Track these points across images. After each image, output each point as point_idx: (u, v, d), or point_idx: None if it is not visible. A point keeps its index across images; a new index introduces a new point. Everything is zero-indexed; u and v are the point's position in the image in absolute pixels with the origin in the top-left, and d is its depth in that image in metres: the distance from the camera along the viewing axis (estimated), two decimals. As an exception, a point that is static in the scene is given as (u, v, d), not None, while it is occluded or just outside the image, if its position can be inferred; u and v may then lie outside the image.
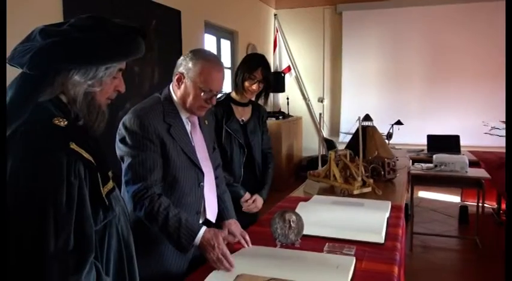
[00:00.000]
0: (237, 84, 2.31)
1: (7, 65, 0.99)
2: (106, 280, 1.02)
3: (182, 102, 1.61)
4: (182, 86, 1.60)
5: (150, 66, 3.74)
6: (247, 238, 1.71)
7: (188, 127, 1.67)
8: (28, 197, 0.91)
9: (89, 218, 0.97)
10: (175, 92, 1.63)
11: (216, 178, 1.85)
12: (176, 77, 1.61)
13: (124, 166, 1.54)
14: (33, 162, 0.92)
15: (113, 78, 1.09)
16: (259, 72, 2.26)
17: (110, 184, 1.06)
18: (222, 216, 1.79)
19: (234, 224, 1.76)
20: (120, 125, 1.56)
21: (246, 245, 1.68)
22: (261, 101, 2.45)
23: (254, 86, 2.27)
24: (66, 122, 0.98)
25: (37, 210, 0.90)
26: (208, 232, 1.50)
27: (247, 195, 2.29)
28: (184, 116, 1.64)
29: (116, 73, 1.09)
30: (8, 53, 1.01)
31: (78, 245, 0.94)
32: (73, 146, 0.96)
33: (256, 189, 2.36)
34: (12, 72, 1.01)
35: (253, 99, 2.41)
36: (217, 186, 1.84)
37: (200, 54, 1.60)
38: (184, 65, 1.59)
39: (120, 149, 1.55)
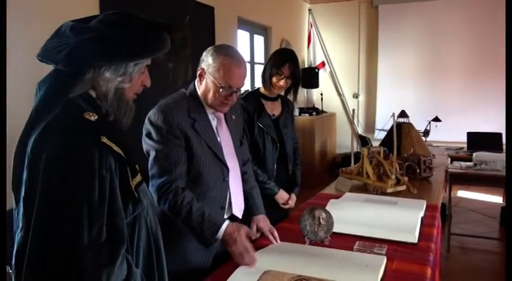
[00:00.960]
0: (264, 80, 2.30)
1: (37, 61, 1.02)
2: (136, 273, 1.03)
3: (204, 98, 1.61)
4: (203, 82, 1.59)
5: (184, 62, 3.79)
6: (276, 234, 1.70)
7: (214, 122, 1.66)
8: (62, 191, 0.93)
9: (120, 210, 0.99)
10: (199, 88, 1.63)
11: (245, 173, 1.85)
12: (198, 73, 1.61)
13: (150, 159, 1.57)
14: (66, 156, 0.94)
15: (141, 74, 1.11)
16: (287, 68, 2.24)
17: (138, 177, 1.07)
18: (250, 212, 1.78)
19: (262, 220, 1.75)
20: (146, 120, 1.58)
21: (275, 242, 1.67)
22: (290, 97, 2.43)
23: (282, 82, 2.25)
24: (96, 117, 1.00)
25: (71, 204, 0.92)
26: (231, 226, 1.51)
27: (284, 194, 2.30)
28: (209, 111, 1.64)
29: (144, 69, 1.11)
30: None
31: (110, 238, 0.96)
32: (104, 139, 0.97)
33: (288, 183, 2.37)
34: (41, 68, 1.03)
35: (282, 94, 2.39)
36: (246, 181, 1.84)
37: (220, 50, 1.58)
38: (205, 61, 1.58)
39: (146, 143, 1.58)
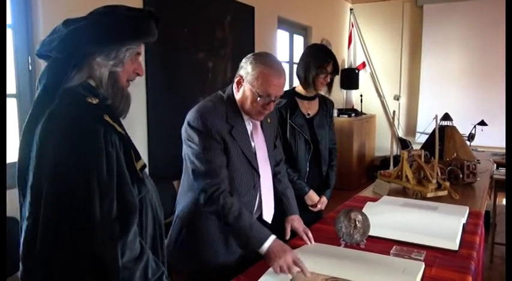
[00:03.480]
0: (306, 79, 2.24)
1: (37, 59, 1.08)
2: (148, 252, 1.07)
3: (241, 105, 1.59)
4: (241, 90, 1.58)
5: (224, 62, 3.83)
6: (310, 234, 1.68)
7: (249, 128, 1.65)
8: (71, 169, 0.97)
9: (128, 184, 1.03)
10: (236, 94, 1.61)
11: (278, 173, 1.84)
12: (236, 80, 1.59)
13: (192, 161, 1.55)
14: (73, 136, 0.98)
15: (133, 61, 1.15)
16: (331, 66, 2.22)
17: (142, 161, 1.12)
18: (284, 211, 1.77)
19: (296, 220, 1.74)
20: (186, 124, 1.57)
21: (309, 242, 1.66)
22: (324, 92, 2.38)
23: (328, 79, 2.24)
24: (97, 100, 1.06)
25: (81, 180, 0.96)
26: (276, 244, 1.46)
27: (315, 196, 2.25)
28: (246, 116, 1.62)
29: (135, 56, 1.15)
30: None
31: (121, 211, 0.99)
32: (107, 118, 1.02)
33: (322, 185, 2.32)
34: (42, 67, 1.10)
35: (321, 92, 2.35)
36: (280, 181, 1.83)
37: (260, 59, 1.55)
38: (244, 68, 1.56)
39: (189, 146, 1.56)
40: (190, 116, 1.57)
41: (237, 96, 1.60)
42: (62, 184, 0.97)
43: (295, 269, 1.39)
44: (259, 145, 1.67)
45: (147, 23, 1.13)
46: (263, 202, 1.68)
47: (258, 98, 1.52)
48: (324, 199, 2.29)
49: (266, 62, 1.54)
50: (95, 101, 1.05)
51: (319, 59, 2.22)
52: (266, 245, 1.45)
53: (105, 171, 0.98)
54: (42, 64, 2.25)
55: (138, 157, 1.11)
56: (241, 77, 1.57)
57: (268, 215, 1.71)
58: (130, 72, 1.16)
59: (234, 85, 1.60)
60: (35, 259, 0.99)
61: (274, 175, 1.82)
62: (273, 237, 1.48)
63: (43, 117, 1.03)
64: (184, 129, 1.59)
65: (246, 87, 1.55)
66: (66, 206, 0.96)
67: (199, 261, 1.61)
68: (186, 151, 1.59)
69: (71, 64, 1.05)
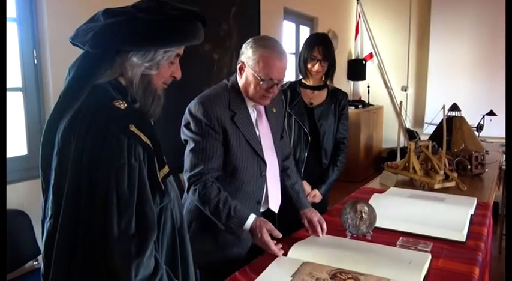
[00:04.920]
0: (300, 68, 2.28)
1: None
2: (163, 267, 1.01)
3: (244, 91, 1.59)
4: (244, 75, 1.57)
5: (229, 54, 3.81)
6: (324, 226, 1.65)
7: (254, 116, 1.64)
8: (91, 181, 0.91)
9: (149, 200, 0.97)
10: (239, 81, 1.60)
11: (287, 168, 1.83)
12: (238, 66, 1.59)
13: (186, 149, 1.58)
14: (96, 144, 0.92)
15: (171, 64, 1.08)
16: (317, 52, 2.20)
17: (166, 169, 1.04)
18: (297, 207, 1.74)
19: (309, 212, 1.71)
20: (186, 111, 1.58)
21: (320, 234, 1.63)
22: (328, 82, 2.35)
23: (316, 67, 2.21)
24: (125, 105, 0.98)
25: (101, 193, 0.91)
26: (255, 221, 1.50)
27: (307, 187, 2.21)
28: (250, 104, 1.62)
29: (174, 58, 1.07)
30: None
31: (139, 228, 0.94)
32: (133, 128, 0.95)
33: (320, 179, 2.27)
34: (74, 53, 1.04)
35: (323, 80, 2.32)
36: (289, 176, 1.81)
37: (260, 42, 1.54)
38: (245, 54, 1.55)
39: (184, 133, 1.59)
40: (192, 103, 1.58)
41: (240, 82, 1.60)
42: (80, 197, 0.92)
43: (273, 248, 1.47)
44: (264, 133, 1.66)
45: (192, 26, 1.04)
46: (269, 191, 1.67)
47: (261, 82, 1.51)
48: (317, 193, 2.23)
49: (266, 45, 1.53)
50: (123, 105, 0.97)
51: (308, 44, 2.25)
52: (247, 225, 1.49)
53: (126, 185, 0.92)
54: (49, 58, 2.28)
55: (163, 164, 1.03)
56: (243, 62, 1.56)
57: (274, 205, 1.70)
58: (166, 76, 1.08)
59: (237, 72, 1.60)
60: (52, 266, 0.96)
61: (283, 170, 1.81)
62: (251, 217, 1.51)
63: (69, 113, 0.97)
64: (184, 116, 1.60)
65: (248, 72, 1.55)
66: (83, 219, 0.92)
67: (210, 254, 1.62)
68: (183, 138, 1.61)
69: (103, 60, 0.99)
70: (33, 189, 2.16)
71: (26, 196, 2.18)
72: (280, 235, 1.52)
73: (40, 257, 2.06)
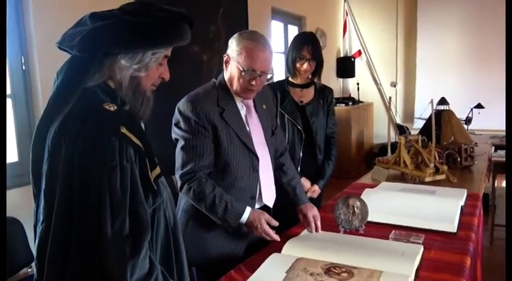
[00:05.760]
0: (288, 67, 2.29)
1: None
2: (158, 267, 1.01)
3: (230, 85, 1.59)
4: (229, 69, 1.59)
5: (218, 54, 3.81)
6: (319, 223, 1.66)
7: (243, 111, 1.65)
8: (83, 183, 0.91)
9: (142, 201, 0.97)
10: (225, 75, 1.62)
11: (283, 165, 1.84)
12: (224, 60, 1.60)
13: (177, 148, 1.59)
14: (87, 147, 0.92)
15: (159, 65, 1.08)
16: (306, 51, 2.22)
17: (157, 170, 1.05)
18: (295, 202, 1.76)
19: (305, 207, 1.72)
20: (176, 110, 1.59)
21: (314, 230, 1.64)
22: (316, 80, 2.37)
23: (305, 66, 2.24)
24: (115, 107, 0.98)
25: (93, 195, 0.91)
26: (252, 214, 1.54)
27: (306, 183, 2.26)
28: (238, 99, 1.63)
29: (162, 59, 1.07)
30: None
31: (133, 229, 0.94)
32: (123, 130, 0.95)
33: (317, 175, 2.32)
34: (62, 58, 1.04)
35: (309, 78, 2.34)
36: (285, 173, 1.82)
37: (244, 35, 1.57)
38: (230, 47, 1.57)
39: (174, 132, 1.60)
40: (180, 102, 1.59)
41: (226, 76, 1.61)
42: (72, 199, 0.92)
43: (273, 236, 1.52)
44: (254, 128, 1.66)
45: (180, 27, 1.05)
46: (262, 185, 1.68)
47: (243, 73, 1.52)
48: (316, 188, 2.28)
49: (250, 37, 1.55)
50: (112, 107, 0.97)
51: (296, 44, 2.26)
52: (244, 219, 1.52)
53: (119, 186, 0.92)
54: (37, 63, 2.27)
55: (154, 165, 1.03)
56: (228, 55, 1.58)
57: (268, 200, 1.70)
58: (155, 78, 1.08)
59: (224, 66, 1.61)
60: (46, 270, 0.95)
61: (279, 167, 1.82)
62: (247, 210, 1.54)
63: (58, 118, 0.97)
64: (174, 115, 1.60)
65: (233, 65, 1.56)
66: (76, 222, 0.92)
67: (206, 252, 1.63)
68: (173, 136, 1.62)
69: (91, 64, 0.98)
70: (25, 196, 2.15)
71: (18, 202, 2.16)
72: (277, 224, 1.56)
73: (34, 264, 2.05)
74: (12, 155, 2.28)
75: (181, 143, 1.57)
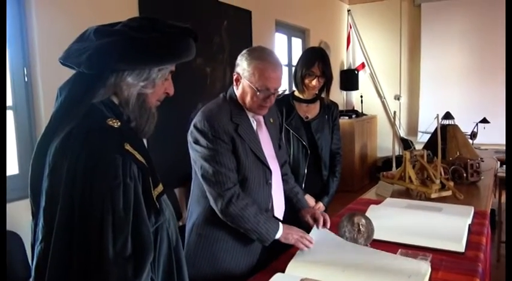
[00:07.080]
0: (296, 82, 2.27)
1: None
2: None
3: (242, 102, 1.60)
4: (240, 87, 1.59)
5: (222, 67, 3.81)
6: (327, 217, 1.69)
7: (254, 125, 1.66)
8: (85, 201, 0.89)
9: (145, 219, 0.95)
10: (236, 91, 1.62)
11: (285, 174, 1.84)
12: (234, 78, 1.60)
13: (201, 165, 1.54)
14: (90, 164, 0.90)
15: (165, 80, 1.07)
16: (317, 68, 2.20)
17: (160, 187, 1.03)
18: (298, 208, 1.78)
19: (311, 209, 1.75)
20: (192, 128, 1.57)
21: (320, 227, 1.67)
22: (323, 96, 2.35)
23: (314, 82, 2.21)
24: (119, 124, 0.97)
25: (96, 214, 0.89)
26: (286, 228, 1.57)
27: (311, 200, 2.23)
28: (249, 114, 1.63)
29: (168, 75, 1.07)
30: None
31: (136, 249, 0.92)
32: (127, 147, 0.94)
33: (321, 191, 2.29)
34: (65, 70, 1.02)
35: (316, 93, 2.32)
36: (286, 182, 1.83)
37: (254, 54, 1.56)
38: (240, 65, 1.57)
39: (195, 150, 1.56)
40: (196, 119, 1.57)
41: (237, 93, 1.61)
42: (73, 218, 0.90)
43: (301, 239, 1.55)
44: (265, 142, 1.67)
45: (186, 43, 1.05)
46: (274, 198, 1.68)
47: (258, 93, 1.53)
48: (321, 205, 2.25)
49: (260, 57, 1.54)
50: (116, 124, 0.96)
51: (306, 60, 2.24)
52: (279, 232, 1.55)
53: (122, 205, 0.90)
54: (39, 75, 2.26)
55: (157, 183, 1.02)
56: (239, 74, 1.58)
57: (279, 212, 1.71)
58: (160, 93, 1.08)
59: (234, 83, 1.61)
60: None
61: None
62: (281, 225, 1.57)
63: (61, 133, 0.95)
64: (190, 133, 1.58)
65: (245, 83, 1.56)
66: (77, 242, 0.89)
67: (218, 268, 1.60)
68: (194, 155, 1.58)
69: (98, 81, 0.97)
70: (25, 209, 2.10)
71: (17, 216, 2.13)
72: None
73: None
74: (13, 168, 2.26)
75: (206, 160, 1.52)
